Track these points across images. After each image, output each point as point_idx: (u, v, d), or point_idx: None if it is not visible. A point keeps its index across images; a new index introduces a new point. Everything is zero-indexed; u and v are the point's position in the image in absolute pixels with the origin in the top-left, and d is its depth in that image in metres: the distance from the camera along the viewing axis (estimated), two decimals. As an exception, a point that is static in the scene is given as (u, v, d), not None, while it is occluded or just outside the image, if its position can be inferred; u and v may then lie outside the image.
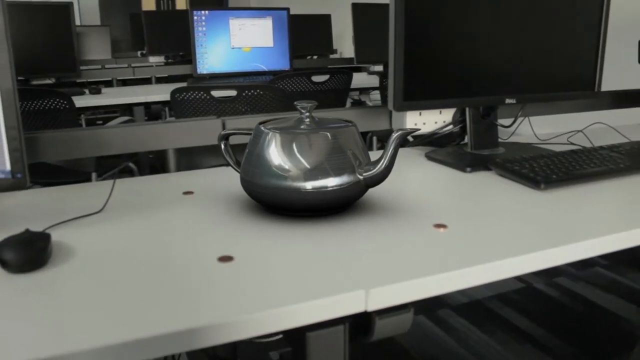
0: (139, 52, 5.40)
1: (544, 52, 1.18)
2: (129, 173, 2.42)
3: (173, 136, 1.11)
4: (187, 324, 0.54)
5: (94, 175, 2.14)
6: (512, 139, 1.35)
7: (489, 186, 1.00)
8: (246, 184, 0.86)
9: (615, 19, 1.91)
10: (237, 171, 0.93)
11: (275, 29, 2.93)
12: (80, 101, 2.27)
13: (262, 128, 0.86)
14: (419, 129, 0.78)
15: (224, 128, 1.14)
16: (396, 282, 0.62)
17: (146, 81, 3.22)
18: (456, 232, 0.78)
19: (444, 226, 0.80)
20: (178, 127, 1.12)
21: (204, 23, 2.77)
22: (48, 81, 2.67)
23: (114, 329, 0.54)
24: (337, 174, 0.82)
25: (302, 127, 0.86)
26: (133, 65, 3.77)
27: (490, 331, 1.89)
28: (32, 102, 2.03)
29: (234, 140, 1.12)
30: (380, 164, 0.83)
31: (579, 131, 1.43)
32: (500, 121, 1.24)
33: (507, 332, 1.89)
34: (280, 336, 1.71)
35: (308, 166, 0.82)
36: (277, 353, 1.72)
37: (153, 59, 4.02)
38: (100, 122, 3.00)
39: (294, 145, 0.83)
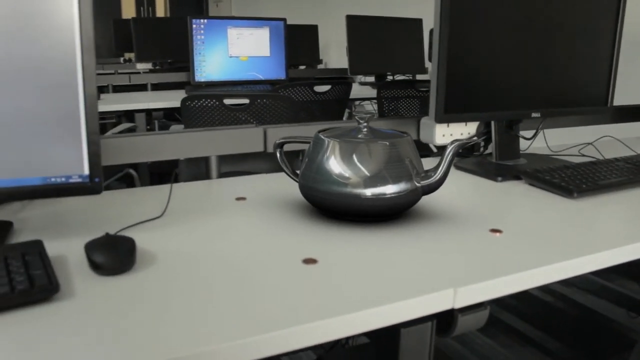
0: (121, 59, 5.36)
1: (566, 70, 1.26)
2: (129, 180, 2.42)
3: (215, 143, 1.14)
4: (283, 325, 0.57)
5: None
6: (529, 152, 1.42)
7: (524, 195, 1.06)
8: (306, 189, 0.90)
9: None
10: (292, 178, 0.97)
11: (272, 38, 2.97)
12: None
13: (322, 137, 0.90)
14: (476, 140, 0.84)
15: (265, 136, 1.18)
16: (480, 282, 0.67)
17: (141, 88, 3.21)
18: (512, 236, 0.83)
19: (499, 231, 0.85)
20: (219, 135, 1.15)
21: (202, 31, 2.79)
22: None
23: (209, 335, 0.57)
24: (396, 181, 0.87)
25: (360, 136, 0.90)
26: (120, 71, 3.75)
27: (493, 335, 1.96)
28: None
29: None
30: (437, 172, 0.88)
31: (589, 144, 1.51)
32: (521, 134, 1.31)
33: (509, 335, 1.96)
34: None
35: (368, 174, 0.86)
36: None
37: (141, 66, 4.00)
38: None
39: (355, 154, 0.87)
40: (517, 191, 1.08)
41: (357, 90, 3.38)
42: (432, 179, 0.88)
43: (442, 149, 1.33)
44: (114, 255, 0.70)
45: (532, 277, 0.71)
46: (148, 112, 2.48)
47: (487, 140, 1.30)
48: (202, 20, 2.79)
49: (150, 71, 3.88)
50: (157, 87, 3.50)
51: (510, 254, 0.76)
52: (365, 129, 0.92)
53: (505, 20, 1.16)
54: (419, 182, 0.88)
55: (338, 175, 0.87)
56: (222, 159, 1.27)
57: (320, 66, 4.62)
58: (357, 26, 3.19)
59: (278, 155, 0.98)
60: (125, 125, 2.31)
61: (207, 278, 0.68)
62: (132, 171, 2.40)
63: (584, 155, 1.41)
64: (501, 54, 1.17)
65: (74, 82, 0.76)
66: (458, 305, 0.66)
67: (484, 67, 1.15)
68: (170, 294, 0.64)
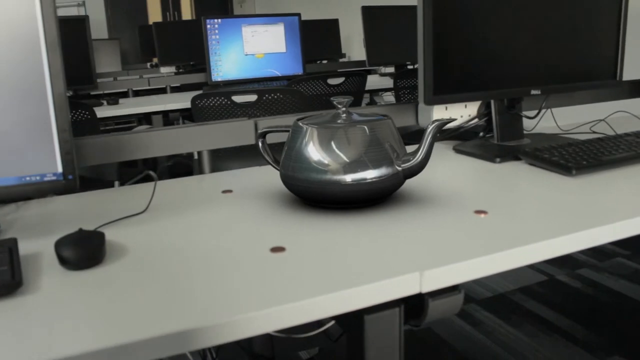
0: (148, 64, 5.46)
1: (567, 43, 1.20)
2: (150, 181, 2.45)
3: (206, 138, 1.14)
4: (244, 312, 0.56)
5: (116, 183, 2.17)
6: (536, 131, 1.36)
7: (520, 175, 1.02)
8: (286, 178, 0.88)
9: (635, 13, 1.92)
10: (275, 167, 0.96)
11: (287, 34, 2.96)
12: (100, 112, 2.30)
13: (301, 124, 0.89)
14: (455, 119, 0.80)
15: (256, 128, 1.17)
16: (448, 264, 0.64)
17: (161, 91, 3.26)
18: (497, 217, 0.80)
19: (484, 212, 0.82)
20: (210, 129, 1.15)
21: (216, 31, 2.80)
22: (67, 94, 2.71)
23: (170, 320, 0.56)
24: (376, 166, 0.84)
25: (339, 121, 0.88)
26: (145, 75, 3.81)
27: (518, 324, 1.90)
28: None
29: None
30: (418, 154, 0.85)
31: (601, 120, 1.45)
32: (524, 113, 1.26)
33: (534, 324, 1.90)
34: (316, 332, 1.73)
35: (347, 159, 0.84)
36: (306, 353, 1.73)
37: (164, 69, 4.06)
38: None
39: (333, 139, 0.85)
40: (514, 172, 1.04)
41: (378, 82, 3.34)
42: (412, 161, 0.85)
43: (443, 133, 1.29)
44: (81, 249, 0.70)
45: (508, 258, 0.68)
46: (165, 114, 2.51)
47: (490, 122, 1.26)
48: (216, 20, 2.80)
49: (175, 74, 3.93)
50: (178, 89, 3.54)
51: (489, 235, 0.73)
52: (344, 115, 0.90)
53: (498, -5, 1.11)
54: (399, 166, 0.86)
55: (317, 162, 0.85)
56: (220, 157, 1.27)
57: (343, 60, 4.59)
58: (374, 17, 3.15)
59: (260, 145, 0.97)
60: (142, 128, 2.34)
61: (174, 269, 0.67)
62: (152, 173, 2.43)
63: (596, 133, 1.35)
64: (495, 27, 1.11)
65: (41, 81, 0.76)
66: (426, 289, 0.64)
67: (476, 43, 1.10)
68: (134, 285, 0.63)
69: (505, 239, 0.71)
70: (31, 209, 0.97)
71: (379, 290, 0.62)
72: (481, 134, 1.29)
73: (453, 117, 1.25)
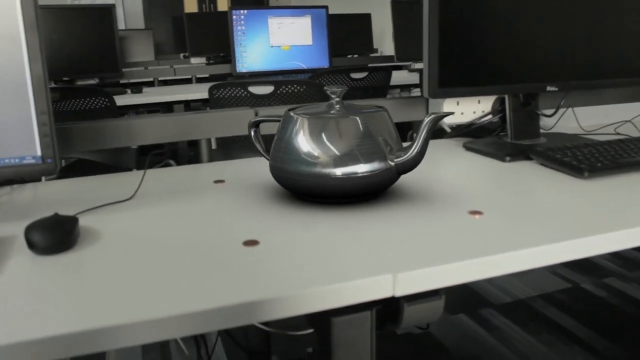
0: (181, 55, 5.49)
1: (589, 36, 1.13)
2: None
3: (206, 126, 1.11)
4: (204, 305, 0.53)
5: (134, 171, 2.17)
6: (555, 131, 1.29)
7: (529, 175, 0.96)
8: (275, 170, 0.85)
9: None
10: (267, 158, 0.92)
11: (314, 27, 2.92)
12: (121, 100, 2.31)
13: (291, 114, 0.85)
14: (452, 113, 0.75)
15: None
16: (425, 267, 0.59)
17: (187, 81, 3.26)
18: (492, 218, 0.74)
19: (479, 213, 0.77)
20: (212, 117, 1.12)
21: (242, 22, 2.78)
22: (92, 82, 2.74)
23: (130, 309, 0.53)
24: (367, 159, 0.80)
25: (332, 112, 0.84)
26: (175, 66, 3.83)
27: (535, 331, 1.82)
28: (75, 101, 2.08)
29: (268, 130, 1.11)
30: (412, 149, 0.80)
31: (627, 121, 1.36)
32: (544, 111, 1.19)
33: (552, 332, 1.82)
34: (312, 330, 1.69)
35: (337, 152, 0.80)
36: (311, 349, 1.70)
37: (195, 60, 4.07)
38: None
39: (323, 130, 0.81)
40: (522, 172, 0.98)
41: (406, 78, 3.27)
42: (406, 156, 0.80)
43: (454, 129, 1.23)
44: (49, 234, 0.68)
45: (493, 264, 0.63)
46: (187, 104, 2.50)
47: (504, 119, 1.19)
48: (242, 11, 2.78)
49: (206, 65, 3.93)
50: (207, 80, 3.54)
51: (479, 238, 0.67)
52: (337, 105, 0.85)
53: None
54: (392, 161, 0.81)
55: (306, 153, 0.81)
56: (233, 147, 1.24)
57: (374, 55, 4.52)
58: (404, 11, 3.08)
59: (252, 134, 0.93)
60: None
61: (141, 258, 0.64)
62: (171, 162, 2.43)
63: (620, 134, 1.27)
64: (508, 15, 1.05)
65: (19, 63, 0.74)
66: (401, 292, 0.59)
67: (486, 32, 1.03)
68: (97, 272, 0.61)
69: (495, 243, 0.66)
70: (24, 192, 0.96)
71: (348, 292, 0.57)
72: (496, 131, 1.22)
73: (465, 112, 1.20)
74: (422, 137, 0.80)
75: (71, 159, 2.55)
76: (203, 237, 0.71)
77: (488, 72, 1.05)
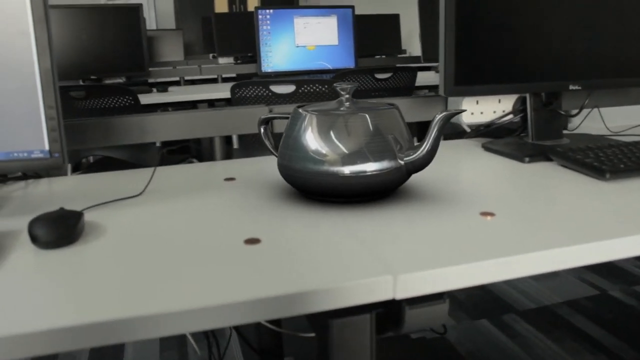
0: (210, 55, 5.53)
1: (615, 32, 1.08)
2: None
3: (220, 124, 1.11)
4: (190, 304, 0.52)
5: (150, 168, 2.18)
6: (579, 131, 1.25)
7: (548, 176, 0.92)
8: (283, 168, 0.83)
9: None
10: (276, 156, 0.91)
11: (340, 26, 2.90)
12: (146, 99, 2.33)
13: (300, 110, 0.83)
14: (465, 110, 0.73)
15: (270, 116, 1.12)
16: (428, 269, 0.57)
17: (214, 81, 3.28)
18: (504, 220, 0.71)
19: (491, 214, 0.74)
20: (225, 114, 1.11)
21: (268, 22, 2.78)
22: (119, 80, 2.77)
23: (125, 304, 0.52)
24: (377, 158, 0.78)
25: (341, 109, 0.82)
26: (204, 66, 3.86)
27: (559, 339, 1.77)
28: (100, 99, 2.10)
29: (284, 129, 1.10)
30: (422, 147, 0.78)
31: (657, 122, 1.31)
32: (569, 111, 1.15)
33: (577, 340, 1.76)
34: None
35: (346, 150, 0.78)
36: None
37: (222, 60, 4.09)
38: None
39: (332, 127, 0.79)
40: (542, 173, 0.94)
41: (434, 78, 3.23)
42: (416, 155, 0.78)
43: (473, 130, 1.20)
44: (52, 228, 0.68)
45: (498, 267, 0.60)
46: (211, 103, 2.51)
47: (526, 119, 1.16)
48: (268, 11, 2.78)
49: (234, 65, 3.95)
50: (234, 79, 3.56)
51: (487, 240, 0.65)
52: (347, 102, 0.84)
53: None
54: (402, 159, 0.79)
55: (314, 151, 0.79)
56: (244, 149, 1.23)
57: (402, 56, 4.48)
58: (431, 11, 3.04)
59: (262, 131, 0.92)
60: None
61: (143, 254, 0.64)
62: (194, 160, 2.44)
63: (648, 136, 1.22)
64: (529, 10, 1.02)
65: (28, 57, 0.75)
66: (401, 295, 0.57)
67: (506, 27, 0.99)
68: (98, 267, 0.60)
69: (503, 246, 0.63)
70: (38, 187, 0.97)
71: (346, 293, 0.56)
72: (517, 132, 1.19)
73: (485, 112, 1.16)
74: (432, 136, 0.78)
75: (97, 156, 2.59)
76: (205, 234, 0.70)
77: (507, 70, 1.02)
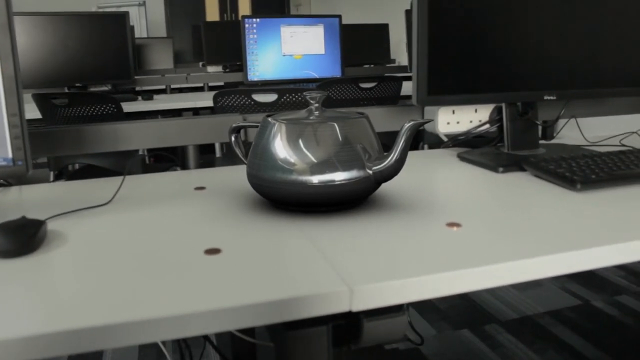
0: (200, 63, 5.53)
1: (590, 42, 1.09)
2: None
3: (192, 132, 1.10)
4: (156, 313, 0.51)
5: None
6: (557, 142, 1.25)
7: (520, 186, 0.92)
8: (251, 177, 0.82)
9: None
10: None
11: (326, 36, 2.91)
12: (130, 107, 2.32)
13: (269, 119, 0.83)
14: (431, 120, 0.72)
15: (244, 124, 1.11)
16: (384, 281, 0.57)
17: (201, 89, 3.28)
18: (470, 231, 0.71)
19: (457, 225, 0.73)
20: (198, 123, 1.10)
21: (255, 31, 2.78)
22: (104, 88, 2.76)
23: (81, 314, 0.51)
24: (345, 167, 0.77)
25: (310, 118, 0.82)
26: (192, 74, 3.85)
27: (541, 350, 1.76)
28: (83, 107, 2.09)
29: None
30: (390, 157, 0.77)
31: (633, 132, 1.31)
32: (545, 122, 1.15)
33: (559, 351, 1.75)
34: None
35: (314, 159, 0.77)
36: None
37: (211, 69, 4.09)
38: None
39: (301, 136, 0.78)
40: (514, 183, 0.94)
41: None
42: (384, 164, 0.78)
43: (450, 139, 1.20)
44: (10, 237, 0.67)
45: (461, 279, 0.59)
46: (195, 111, 2.51)
47: (502, 130, 1.16)
48: (254, 20, 2.78)
49: (222, 73, 3.95)
50: (221, 88, 3.55)
51: (451, 251, 0.64)
52: (317, 111, 0.83)
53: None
54: (370, 169, 0.78)
55: (282, 160, 0.78)
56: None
57: (390, 65, 4.49)
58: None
59: (233, 140, 0.91)
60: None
61: (101, 264, 0.63)
62: (178, 168, 2.43)
63: (625, 146, 1.22)
64: (504, 19, 1.02)
65: (-9, 61, 0.74)
66: (357, 307, 0.56)
67: (479, 36, 0.99)
68: (55, 277, 0.59)
69: (465, 257, 0.62)
70: (8, 195, 0.95)
71: (302, 305, 0.55)
72: (494, 142, 1.19)
73: (461, 122, 1.16)
74: (400, 145, 0.77)
75: (82, 164, 2.57)
76: (167, 244, 0.69)
77: (481, 79, 1.02)
